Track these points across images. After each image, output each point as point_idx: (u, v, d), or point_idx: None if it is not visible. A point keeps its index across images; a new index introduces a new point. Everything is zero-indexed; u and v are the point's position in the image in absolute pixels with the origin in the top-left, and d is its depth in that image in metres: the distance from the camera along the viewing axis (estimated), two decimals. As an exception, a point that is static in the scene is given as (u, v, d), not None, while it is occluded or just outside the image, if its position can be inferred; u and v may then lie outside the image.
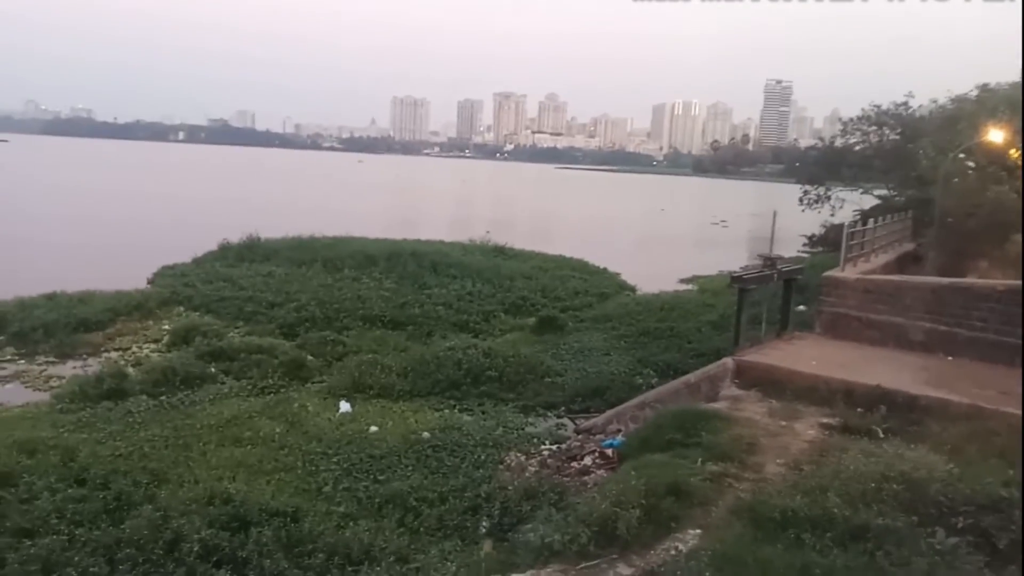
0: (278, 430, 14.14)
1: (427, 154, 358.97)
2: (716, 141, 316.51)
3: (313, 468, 12.58)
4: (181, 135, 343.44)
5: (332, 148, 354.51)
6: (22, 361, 19.53)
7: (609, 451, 13.40)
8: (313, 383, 18.14)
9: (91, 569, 8.74)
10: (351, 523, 10.50)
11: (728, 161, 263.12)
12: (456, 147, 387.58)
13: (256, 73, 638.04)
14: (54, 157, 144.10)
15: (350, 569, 9.24)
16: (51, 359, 19.81)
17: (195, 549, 9.20)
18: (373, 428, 14.57)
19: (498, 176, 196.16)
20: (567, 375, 19.16)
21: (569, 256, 39.45)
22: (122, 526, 9.64)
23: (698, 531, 8.97)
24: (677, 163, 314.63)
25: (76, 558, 8.89)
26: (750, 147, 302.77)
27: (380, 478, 12.33)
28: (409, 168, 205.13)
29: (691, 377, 16.20)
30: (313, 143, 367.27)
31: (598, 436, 14.70)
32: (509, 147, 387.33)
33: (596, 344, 22.30)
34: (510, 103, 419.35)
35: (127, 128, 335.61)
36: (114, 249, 38.67)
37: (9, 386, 17.71)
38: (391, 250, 33.66)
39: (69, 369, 18.99)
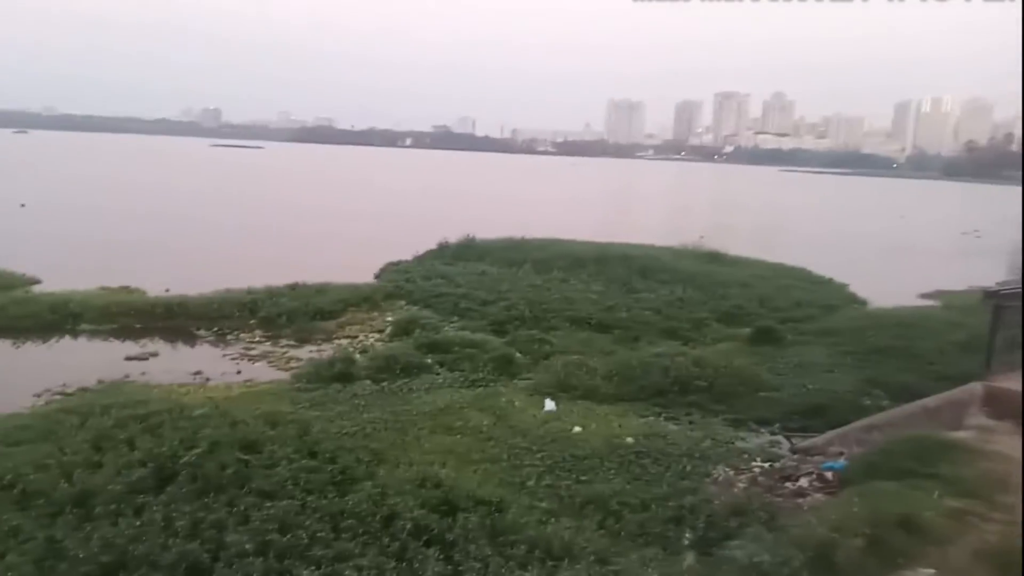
0: (486, 422, 14.80)
1: (641, 157, 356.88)
2: (972, 141, 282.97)
3: (517, 462, 13.01)
4: (409, 141, 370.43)
5: (546, 152, 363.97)
6: (268, 343, 22.22)
7: (829, 474, 12.58)
8: (520, 379, 18.78)
9: (319, 534, 9.70)
10: (552, 519, 10.73)
11: (986, 163, 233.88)
12: (671, 149, 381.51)
13: (476, 82, 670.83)
14: (300, 164, 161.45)
15: (550, 564, 9.45)
16: (292, 342, 22.32)
17: (408, 527, 9.91)
18: (577, 428, 14.79)
19: (715, 179, 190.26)
20: (784, 390, 18.19)
21: (790, 264, 37.41)
22: (346, 498, 10.61)
23: (931, 571, 8.17)
24: (922, 166, 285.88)
25: (307, 522, 9.93)
26: (1014, 147, 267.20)
27: (582, 478, 12.48)
28: (622, 171, 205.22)
29: (930, 401, 14.72)
30: (528, 148, 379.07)
31: (817, 457, 13.84)
32: (729, 149, 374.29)
33: (818, 359, 20.97)
34: (732, 103, 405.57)
35: (362, 135, 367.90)
36: (348, 245, 42.71)
37: (258, 364, 20.22)
38: (599, 253, 34.00)
39: (306, 352, 21.24)
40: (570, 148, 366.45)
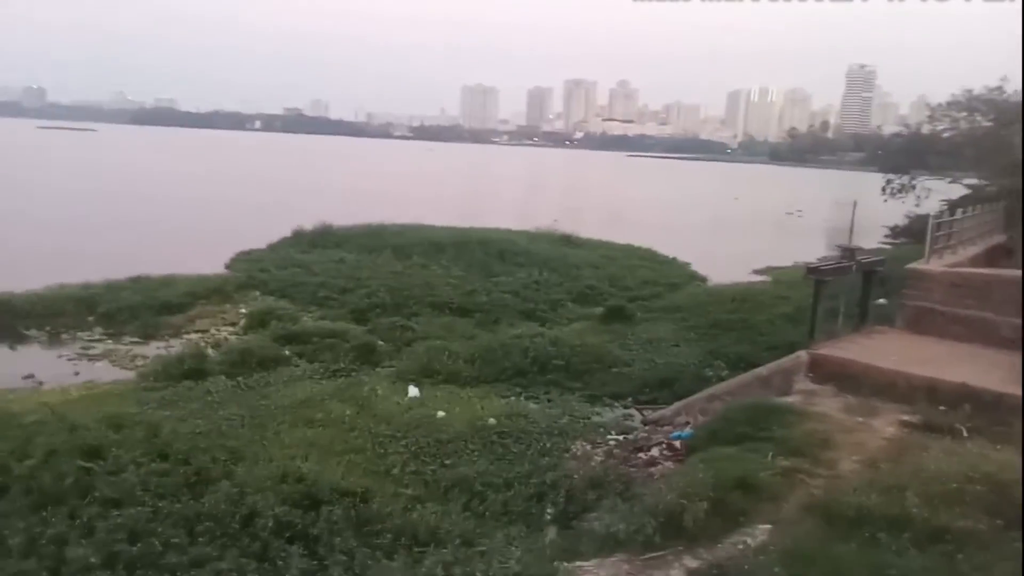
0: (349, 412, 14.47)
1: (495, 142, 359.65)
2: (794, 128, 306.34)
3: (382, 450, 12.83)
4: (258, 124, 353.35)
5: (403, 137, 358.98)
6: (110, 341, 20.62)
7: (677, 443, 13.28)
8: (383, 367, 18.54)
9: (173, 540, 9.15)
10: (418, 505, 10.70)
11: (806, 149, 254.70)
12: (525, 135, 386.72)
13: (330, 64, 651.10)
14: (140, 147, 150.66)
15: (417, 550, 9.42)
16: (136, 339, 20.83)
17: (269, 525, 9.53)
18: (440, 413, 14.75)
19: (566, 164, 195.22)
20: (635, 365, 19.03)
21: (638, 245, 39.10)
22: (201, 500, 10.05)
23: (767, 526, 8.83)
24: (752, 151, 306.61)
25: (159, 529, 9.33)
26: (830, 134, 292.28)
27: (447, 462, 12.50)
28: (477, 156, 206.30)
29: (763, 370, 15.85)
30: (384, 132, 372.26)
31: (666, 428, 14.58)
32: (579, 135, 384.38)
33: (665, 335, 22.07)
34: (580, 90, 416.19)
35: (207, 117, 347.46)
36: (195, 235, 40.29)
37: (99, 364, 18.74)
38: (459, 238, 34.09)
39: (153, 349, 19.91)
40: (426, 133, 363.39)
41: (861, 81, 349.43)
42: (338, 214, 39.05)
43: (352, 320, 22.62)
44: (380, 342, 20.31)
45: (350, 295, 25.16)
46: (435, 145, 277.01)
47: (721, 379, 17.28)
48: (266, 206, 54.41)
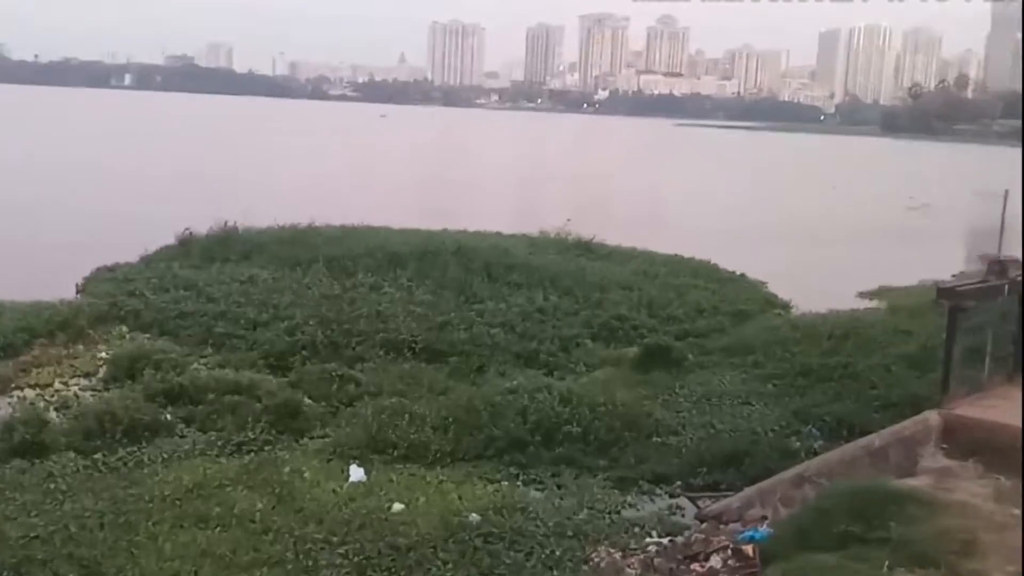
0: (260, 505, 14.47)
1: (481, 105, 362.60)
2: (917, 85, 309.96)
3: (310, 562, 12.81)
4: (128, 79, 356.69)
5: (343, 97, 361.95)
6: (-97, 401, 20.54)
7: (749, 547, 13.27)
8: (312, 438, 18.52)
9: None
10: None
11: (935, 114, 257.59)
12: (523, 95, 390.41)
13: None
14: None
15: None
16: (-58, 399, 20.76)
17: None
18: (398, 506, 14.79)
19: (584, 136, 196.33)
20: (686, 433, 19.05)
21: (689, 256, 39.31)
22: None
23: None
24: (856, 118, 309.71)
25: None
26: (969, 94, 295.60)
27: (407, 579, 12.47)
28: (453, 125, 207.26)
29: (875, 439, 15.91)
30: (316, 90, 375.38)
31: (732, 525, 14.56)
32: (602, 94, 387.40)
33: (730, 388, 22.13)
34: (604, 30, 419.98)
35: (53, 69, 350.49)
36: (29, 242, 40.09)
37: None
38: (425, 246, 34.15)
39: (-33, 414, 19.83)
40: (378, 91, 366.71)
41: (1013, 18, 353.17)
42: (244, 211, 38.92)
43: (266, 368, 22.65)
44: (308, 400, 20.29)
45: (263, 331, 25.13)
46: (391, 108, 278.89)
47: (813, 453, 17.30)
48: (136, 200, 54.44)
